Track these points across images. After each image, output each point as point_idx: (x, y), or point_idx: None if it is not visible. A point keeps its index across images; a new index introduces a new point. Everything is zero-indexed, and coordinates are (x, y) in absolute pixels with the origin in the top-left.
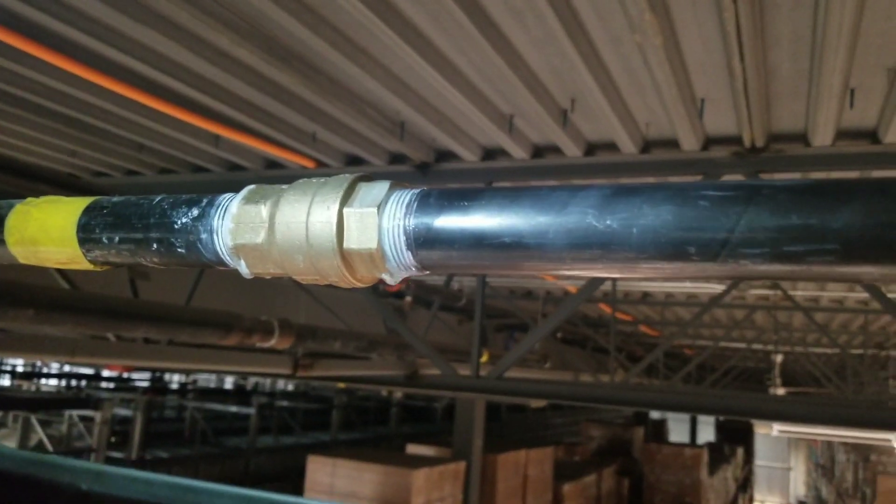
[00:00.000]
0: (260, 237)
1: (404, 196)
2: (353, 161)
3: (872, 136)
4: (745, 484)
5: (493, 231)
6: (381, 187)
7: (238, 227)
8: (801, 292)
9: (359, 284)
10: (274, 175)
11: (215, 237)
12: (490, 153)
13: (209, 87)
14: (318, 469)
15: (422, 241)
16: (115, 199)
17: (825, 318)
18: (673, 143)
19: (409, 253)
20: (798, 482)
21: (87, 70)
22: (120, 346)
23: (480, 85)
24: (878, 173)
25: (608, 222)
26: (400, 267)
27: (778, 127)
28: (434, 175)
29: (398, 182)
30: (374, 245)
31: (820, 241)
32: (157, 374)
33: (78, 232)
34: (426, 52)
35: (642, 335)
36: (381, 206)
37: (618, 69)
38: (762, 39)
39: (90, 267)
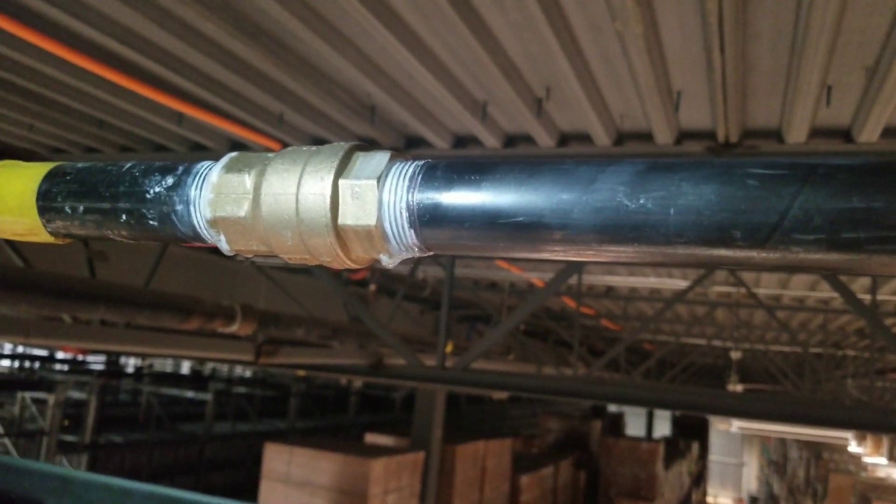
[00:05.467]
0: (243, 210)
1: (407, 168)
2: (320, 144)
3: (846, 134)
4: (699, 478)
5: (509, 209)
6: (381, 157)
7: (218, 197)
8: (764, 290)
9: (353, 266)
10: None
11: (192, 209)
12: (461, 141)
13: (174, 62)
14: (275, 457)
15: (427, 219)
16: (80, 164)
17: (785, 316)
18: (646, 137)
19: (412, 232)
20: (750, 478)
21: (47, 40)
22: (77, 328)
23: (455, 69)
24: None
25: (641, 201)
26: (401, 247)
27: (752, 123)
28: None
29: (399, 152)
30: (372, 222)
31: (884, 228)
32: (113, 358)
33: (38, 200)
34: (400, 32)
35: (603, 329)
36: (381, 179)
37: (595, 58)
38: (743, 32)
39: (50, 239)
